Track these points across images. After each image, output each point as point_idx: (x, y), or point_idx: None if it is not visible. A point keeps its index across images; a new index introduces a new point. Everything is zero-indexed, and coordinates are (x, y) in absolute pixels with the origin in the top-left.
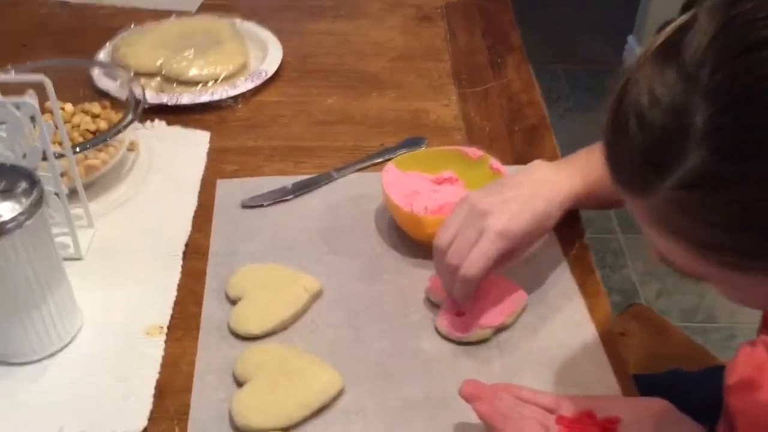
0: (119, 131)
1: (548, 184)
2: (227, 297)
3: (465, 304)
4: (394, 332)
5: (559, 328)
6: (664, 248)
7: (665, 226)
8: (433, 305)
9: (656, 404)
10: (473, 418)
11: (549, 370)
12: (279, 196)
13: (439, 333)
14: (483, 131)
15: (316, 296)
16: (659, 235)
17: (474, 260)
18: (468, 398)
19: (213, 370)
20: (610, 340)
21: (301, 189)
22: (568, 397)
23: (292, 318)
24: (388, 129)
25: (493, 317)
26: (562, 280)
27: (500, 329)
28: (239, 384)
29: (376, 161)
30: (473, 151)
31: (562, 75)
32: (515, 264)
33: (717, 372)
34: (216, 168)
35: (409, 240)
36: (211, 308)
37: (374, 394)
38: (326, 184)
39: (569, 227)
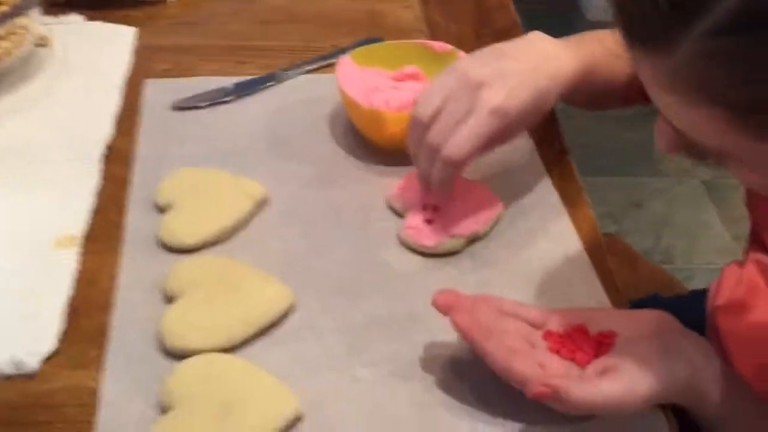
0: (17, 15)
1: (551, 59)
2: (156, 205)
3: (442, 194)
4: (353, 243)
5: (539, 239)
6: (685, 121)
7: (692, 90)
8: (398, 214)
9: (655, 316)
10: (445, 336)
11: (530, 284)
12: (218, 98)
13: (404, 244)
14: (448, 35)
15: (261, 204)
16: (681, 105)
17: (462, 139)
18: (444, 309)
19: (139, 287)
20: (597, 252)
21: (243, 90)
22: (556, 311)
23: (233, 228)
24: (341, 30)
25: (466, 225)
26: (540, 187)
27: (473, 239)
28: (170, 301)
29: (330, 61)
30: (440, 45)
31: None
32: (505, 143)
33: (698, 296)
34: (144, 67)
35: (369, 144)
36: (137, 217)
37: (331, 311)
38: (272, 85)
39: (546, 130)
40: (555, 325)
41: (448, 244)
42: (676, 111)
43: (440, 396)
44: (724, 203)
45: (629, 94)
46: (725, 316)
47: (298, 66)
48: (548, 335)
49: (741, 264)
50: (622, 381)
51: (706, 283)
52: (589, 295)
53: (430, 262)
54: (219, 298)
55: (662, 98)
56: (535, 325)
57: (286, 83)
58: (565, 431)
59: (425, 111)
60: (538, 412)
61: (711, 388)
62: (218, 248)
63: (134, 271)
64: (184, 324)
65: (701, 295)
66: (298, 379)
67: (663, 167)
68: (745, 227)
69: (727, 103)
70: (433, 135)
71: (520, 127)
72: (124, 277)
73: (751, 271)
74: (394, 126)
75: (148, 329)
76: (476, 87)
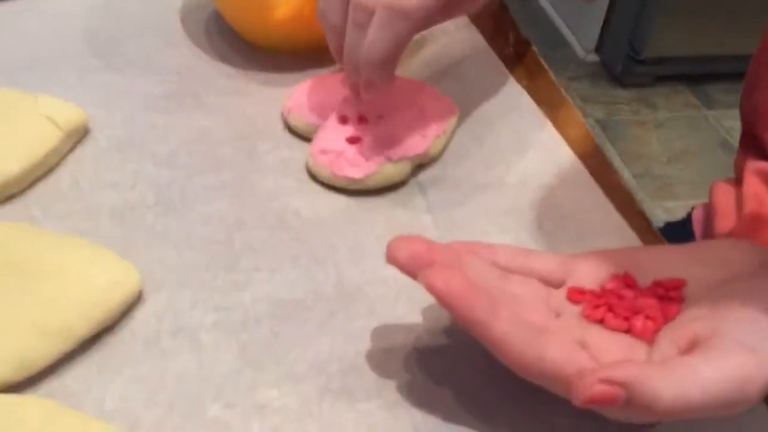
0: None
1: None
2: None
3: (382, 86)
4: (236, 186)
5: (515, 155)
6: None
7: None
8: (302, 137)
9: (738, 249)
10: (403, 318)
11: (517, 222)
12: None
13: (316, 177)
14: None
15: (79, 135)
16: None
17: (372, 44)
18: (409, 266)
19: None
20: (598, 165)
21: None
22: (582, 257)
23: (32, 172)
24: None
25: (409, 142)
26: (504, 89)
27: (421, 163)
28: None
29: None
30: None
31: None
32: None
33: (674, 229)
34: None
35: (247, 45)
36: None
37: (207, 298)
38: None
39: (494, 21)
40: (583, 277)
41: (386, 171)
42: None
43: (405, 416)
44: (621, 141)
45: None
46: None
47: None
48: (577, 294)
49: (731, 181)
50: (732, 357)
51: None
52: (605, 227)
53: (360, 202)
54: (6, 294)
55: None
56: (551, 282)
57: None
58: None
59: (333, 17)
60: (575, 418)
61: None
62: (8, 207)
63: None
64: None
65: (679, 228)
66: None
67: None
68: (643, 165)
69: None
70: (348, 40)
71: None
72: None
73: (753, 183)
74: (283, 6)
75: None
76: None
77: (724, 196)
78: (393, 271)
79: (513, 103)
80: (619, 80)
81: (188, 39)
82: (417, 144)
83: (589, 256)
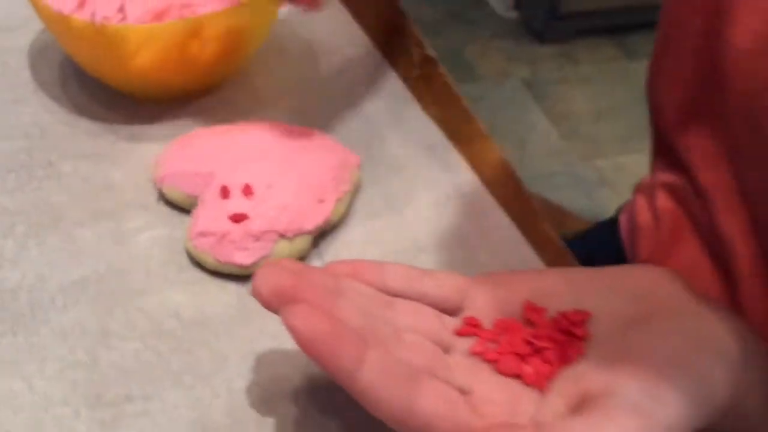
0: None
1: None
2: None
3: None
4: (100, 283)
5: (422, 193)
6: None
7: None
8: (179, 208)
9: (652, 276)
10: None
11: (421, 259)
12: None
13: (201, 263)
14: None
15: None
16: None
17: None
18: (273, 302)
19: None
20: (513, 194)
21: None
22: (482, 280)
23: None
24: None
25: (306, 214)
26: (411, 121)
27: (323, 232)
28: None
29: None
30: None
31: None
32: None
33: (606, 229)
34: None
35: (109, 92)
36: None
37: None
38: None
39: (393, 33)
40: (482, 304)
41: (280, 252)
42: None
43: None
44: (546, 100)
45: None
46: None
47: None
48: (469, 328)
49: (649, 187)
50: (618, 423)
51: (543, 189)
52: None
53: (246, 293)
54: None
55: None
56: (446, 309)
57: None
58: None
59: None
60: None
61: (753, 396)
62: None
63: None
64: None
65: (608, 230)
66: None
67: (479, 71)
68: (570, 124)
69: None
70: None
71: None
72: None
73: (664, 198)
74: (144, 53)
75: None
76: None
77: (644, 213)
78: (293, 370)
79: (421, 138)
80: (540, 36)
81: (40, 90)
82: (315, 214)
83: (490, 280)
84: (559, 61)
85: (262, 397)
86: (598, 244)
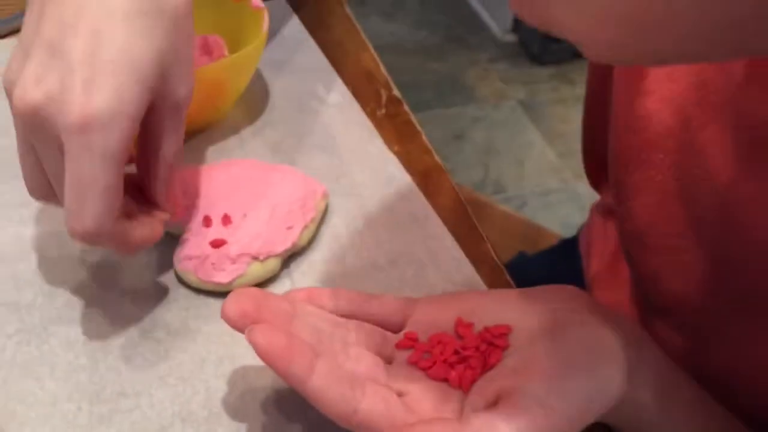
0: None
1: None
2: None
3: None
4: (102, 299)
5: (383, 228)
6: None
7: None
8: (170, 235)
9: (562, 294)
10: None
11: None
12: None
13: (186, 283)
14: None
15: None
16: None
17: (74, 211)
18: (238, 322)
19: None
20: (460, 219)
21: None
22: (424, 301)
23: None
24: None
25: (276, 239)
26: (375, 157)
27: (292, 254)
28: None
29: None
30: None
31: None
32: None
33: (569, 247)
34: None
35: None
36: None
37: None
38: None
39: (367, 78)
40: (420, 322)
41: (253, 272)
42: None
43: None
44: (543, 121)
45: None
46: (599, 290)
47: None
48: (407, 342)
49: (602, 207)
50: (526, 416)
51: (540, 206)
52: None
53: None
54: None
55: None
56: (392, 326)
57: None
58: None
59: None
60: None
61: (646, 394)
62: None
63: None
64: None
65: (572, 245)
66: None
67: (477, 94)
68: (566, 143)
69: None
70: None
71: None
72: None
73: (611, 223)
74: None
75: None
76: (33, 111)
77: (597, 232)
78: (264, 380)
79: (383, 170)
80: (538, 59)
81: None
82: (283, 239)
83: (428, 301)
84: (555, 82)
85: (234, 394)
86: (562, 259)
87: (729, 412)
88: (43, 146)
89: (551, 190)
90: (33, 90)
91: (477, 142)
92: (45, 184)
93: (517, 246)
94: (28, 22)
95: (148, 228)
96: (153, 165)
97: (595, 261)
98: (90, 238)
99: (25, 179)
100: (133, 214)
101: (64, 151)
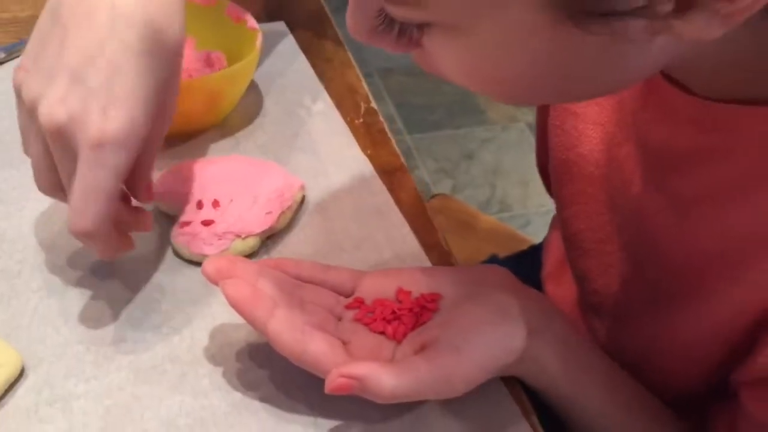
0: None
1: (125, 15)
2: None
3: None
4: (97, 265)
5: (351, 219)
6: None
7: None
8: (168, 216)
9: (486, 272)
10: (245, 370)
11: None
12: None
13: (178, 254)
14: None
15: None
16: None
17: (79, 211)
18: (214, 277)
19: None
20: (418, 211)
21: None
22: (372, 273)
23: None
24: None
25: (256, 221)
26: (351, 158)
27: (271, 235)
28: None
29: None
30: None
31: None
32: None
33: (537, 250)
34: None
35: None
36: None
37: (79, 370)
38: None
39: (351, 93)
40: (369, 288)
41: (236, 247)
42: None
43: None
44: None
45: None
46: (550, 287)
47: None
48: (356, 303)
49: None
50: (442, 357)
51: (542, 225)
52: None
53: None
54: None
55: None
56: (344, 292)
57: None
58: (393, 427)
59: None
60: (356, 402)
61: (549, 354)
62: None
63: None
64: None
65: (539, 250)
66: None
67: (488, 116)
68: None
69: None
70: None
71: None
72: None
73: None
74: None
75: None
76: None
77: (554, 241)
78: (239, 334)
79: (356, 170)
80: None
81: None
82: (262, 222)
83: (376, 273)
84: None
85: (214, 343)
86: (528, 261)
87: (640, 384)
88: (61, 154)
89: (553, 210)
90: (58, 109)
91: (485, 162)
92: (56, 183)
93: (500, 252)
94: (48, 43)
95: (127, 238)
96: (137, 170)
97: (549, 263)
98: (88, 235)
99: (38, 177)
100: (121, 221)
101: (78, 160)
